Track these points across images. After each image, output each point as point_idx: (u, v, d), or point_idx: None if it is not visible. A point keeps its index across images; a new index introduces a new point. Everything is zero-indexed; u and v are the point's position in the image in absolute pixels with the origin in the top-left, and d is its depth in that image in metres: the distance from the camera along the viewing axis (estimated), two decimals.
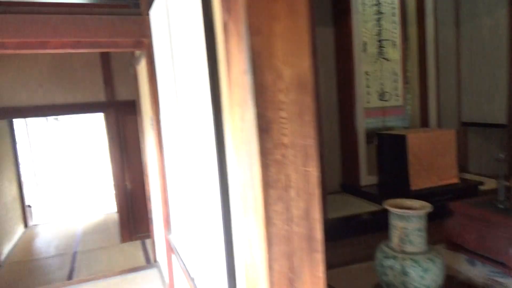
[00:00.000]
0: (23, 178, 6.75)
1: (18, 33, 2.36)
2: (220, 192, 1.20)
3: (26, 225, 6.69)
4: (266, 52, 0.80)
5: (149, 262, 4.78)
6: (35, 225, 7.03)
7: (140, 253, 5.34)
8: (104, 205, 8.60)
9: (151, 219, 4.10)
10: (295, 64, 0.83)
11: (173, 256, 2.69)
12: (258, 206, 0.84)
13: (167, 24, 1.91)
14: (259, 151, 0.81)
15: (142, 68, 3.34)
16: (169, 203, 2.73)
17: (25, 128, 9.40)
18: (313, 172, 0.86)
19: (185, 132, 1.76)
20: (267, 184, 0.82)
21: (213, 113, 1.18)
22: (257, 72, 0.80)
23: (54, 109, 5.17)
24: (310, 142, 0.85)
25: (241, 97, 0.88)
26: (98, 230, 6.60)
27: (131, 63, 4.07)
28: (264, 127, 0.81)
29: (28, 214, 6.76)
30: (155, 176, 3.27)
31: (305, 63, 0.83)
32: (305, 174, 0.85)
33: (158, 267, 3.99)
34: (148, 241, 5.59)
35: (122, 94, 5.44)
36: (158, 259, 4.07)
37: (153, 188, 3.71)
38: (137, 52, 3.51)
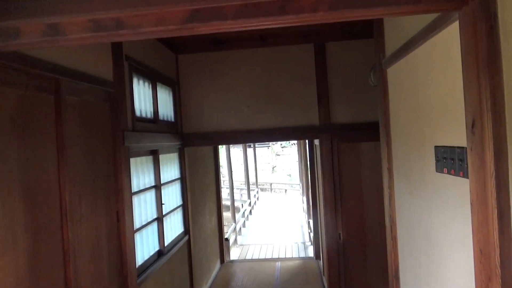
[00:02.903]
0: (222, 210, 6.28)
1: None
2: None
3: (222, 261, 6.13)
4: None
5: None
6: (231, 261, 6.43)
7: None
8: (299, 246, 7.55)
9: None
10: None
11: None
12: None
13: None
14: None
15: (424, 61, 1.90)
16: None
17: (225, 154, 9.39)
18: None
19: None
20: None
21: None
22: None
23: (261, 134, 4.30)
24: None
25: None
26: (297, 280, 5.44)
27: (376, 65, 2.71)
28: None
29: (225, 249, 6.20)
30: (435, 253, 1.74)
31: None
32: None
33: None
34: None
35: (339, 116, 4.20)
36: None
37: (409, 264, 2.18)
38: (407, 39, 2.11)
